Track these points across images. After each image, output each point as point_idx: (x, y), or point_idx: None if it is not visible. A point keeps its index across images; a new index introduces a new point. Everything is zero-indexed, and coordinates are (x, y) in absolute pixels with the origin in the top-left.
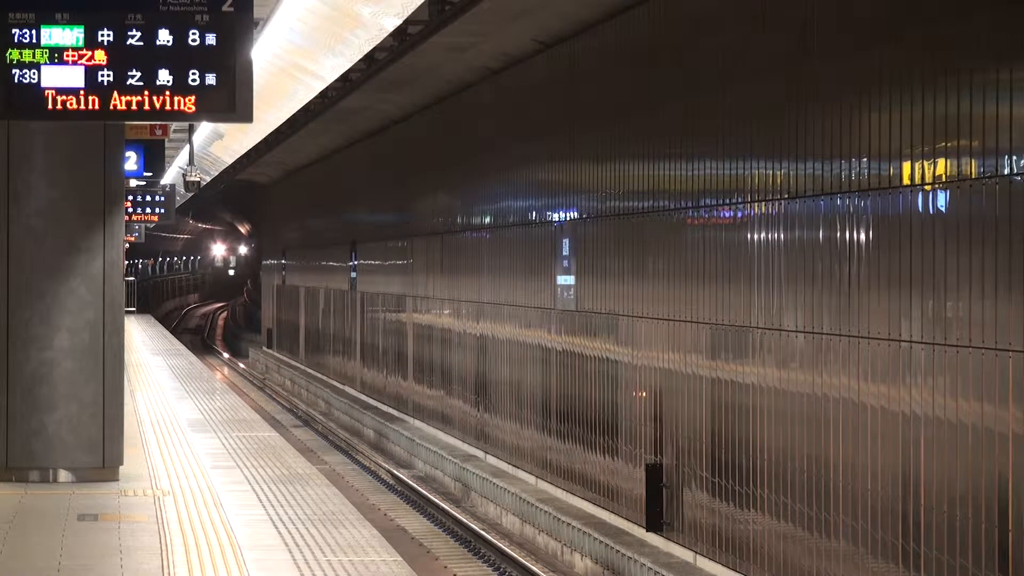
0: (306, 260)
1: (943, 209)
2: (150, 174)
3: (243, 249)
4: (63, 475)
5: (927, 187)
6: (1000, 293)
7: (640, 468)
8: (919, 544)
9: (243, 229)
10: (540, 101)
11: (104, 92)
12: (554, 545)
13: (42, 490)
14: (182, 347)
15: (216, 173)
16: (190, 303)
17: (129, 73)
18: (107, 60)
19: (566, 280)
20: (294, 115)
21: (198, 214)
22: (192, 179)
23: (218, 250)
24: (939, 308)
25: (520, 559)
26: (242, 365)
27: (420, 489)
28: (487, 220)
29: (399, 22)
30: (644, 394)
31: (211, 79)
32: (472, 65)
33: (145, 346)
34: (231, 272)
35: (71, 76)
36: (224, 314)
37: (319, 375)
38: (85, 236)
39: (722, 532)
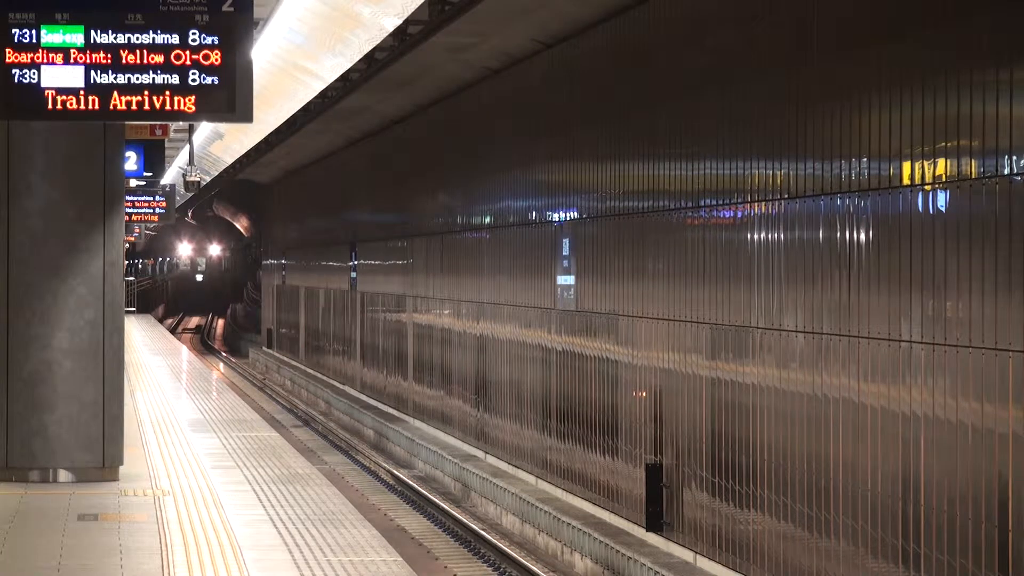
0: (306, 260)
1: (943, 209)
2: (150, 174)
3: (216, 249)
4: (63, 475)
5: (927, 187)
6: (1000, 293)
7: (640, 468)
8: (919, 544)
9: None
10: (540, 101)
11: (104, 92)
12: (554, 545)
13: (42, 490)
14: (182, 347)
15: (216, 173)
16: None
17: (129, 73)
18: (107, 60)
19: (566, 280)
20: (294, 115)
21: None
22: (192, 179)
23: (185, 250)
24: (939, 308)
25: (520, 559)
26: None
27: (420, 489)
28: (487, 220)
29: (399, 22)
30: (644, 394)
31: (211, 79)
32: (472, 65)
33: (145, 346)
34: (199, 277)
35: (71, 76)
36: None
37: (319, 375)
38: (85, 236)
39: (722, 532)
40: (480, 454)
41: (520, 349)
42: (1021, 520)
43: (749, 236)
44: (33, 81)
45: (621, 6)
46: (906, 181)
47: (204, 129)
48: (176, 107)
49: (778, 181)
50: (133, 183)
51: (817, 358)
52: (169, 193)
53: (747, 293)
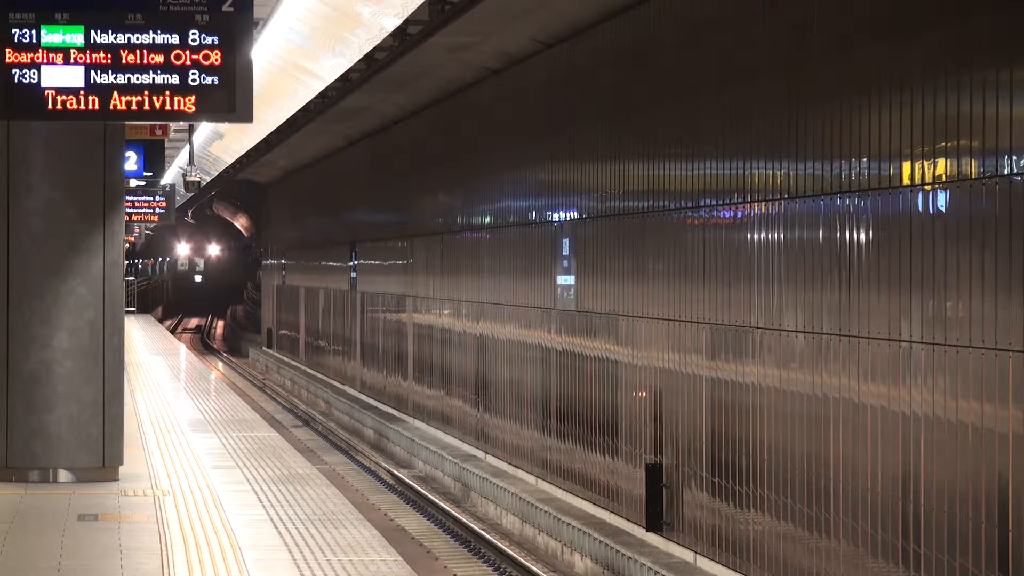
0: (306, 260)
1: (943, 209)
2: (150, 174)
3: (216, 249)
4: (63, 475)
5: (927, 187)
6: (1000, 293)
7: (640, 468)
8: (919, 544)
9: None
10: (540, 101)
11: (104, 92)
12: (554, 545)
13: (42, 490)
14: (182, 347)
15: (216, 173)
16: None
17: (129, 73)
18: (107, 60)
19: (566, 280)
20: (294, 115)
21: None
22: (192, 179)
23: (185, 250)
24: (939, 308)
25: (520, 559)
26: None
27: (420, 489)
28: (487, 220)
29: (399, 22)
30: (644, 394)
31: (211, 79)
32: (472, 65)
33: (145, 346)
34: (198, 277)
35: (71, 76)
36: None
37: (319, 375)
38: (85, 236)
39: (722, 532)
40: (480, 454)
41: (520, 349)
42: (1021, 520)
43: (749, 236)
44: (33, 81)
45: (621, 6)
46: (906, 181)
47: (204, 129)
48: (176, 107)
49: (778, 181)
50: (133, 183)
51: (817, 358)
52: (169, 193)
53: (747, 293)
